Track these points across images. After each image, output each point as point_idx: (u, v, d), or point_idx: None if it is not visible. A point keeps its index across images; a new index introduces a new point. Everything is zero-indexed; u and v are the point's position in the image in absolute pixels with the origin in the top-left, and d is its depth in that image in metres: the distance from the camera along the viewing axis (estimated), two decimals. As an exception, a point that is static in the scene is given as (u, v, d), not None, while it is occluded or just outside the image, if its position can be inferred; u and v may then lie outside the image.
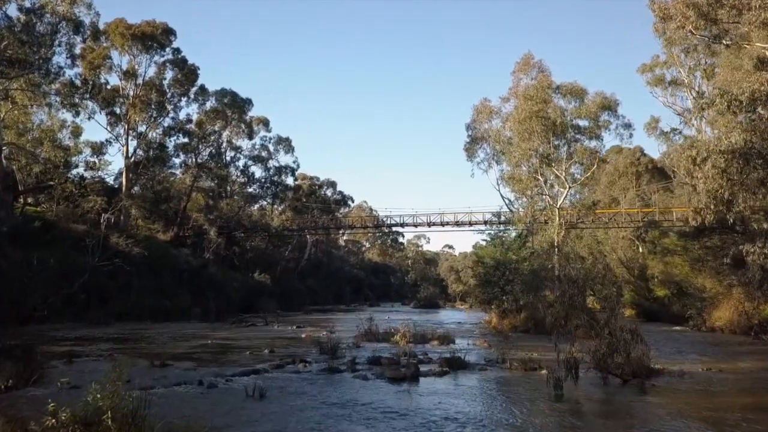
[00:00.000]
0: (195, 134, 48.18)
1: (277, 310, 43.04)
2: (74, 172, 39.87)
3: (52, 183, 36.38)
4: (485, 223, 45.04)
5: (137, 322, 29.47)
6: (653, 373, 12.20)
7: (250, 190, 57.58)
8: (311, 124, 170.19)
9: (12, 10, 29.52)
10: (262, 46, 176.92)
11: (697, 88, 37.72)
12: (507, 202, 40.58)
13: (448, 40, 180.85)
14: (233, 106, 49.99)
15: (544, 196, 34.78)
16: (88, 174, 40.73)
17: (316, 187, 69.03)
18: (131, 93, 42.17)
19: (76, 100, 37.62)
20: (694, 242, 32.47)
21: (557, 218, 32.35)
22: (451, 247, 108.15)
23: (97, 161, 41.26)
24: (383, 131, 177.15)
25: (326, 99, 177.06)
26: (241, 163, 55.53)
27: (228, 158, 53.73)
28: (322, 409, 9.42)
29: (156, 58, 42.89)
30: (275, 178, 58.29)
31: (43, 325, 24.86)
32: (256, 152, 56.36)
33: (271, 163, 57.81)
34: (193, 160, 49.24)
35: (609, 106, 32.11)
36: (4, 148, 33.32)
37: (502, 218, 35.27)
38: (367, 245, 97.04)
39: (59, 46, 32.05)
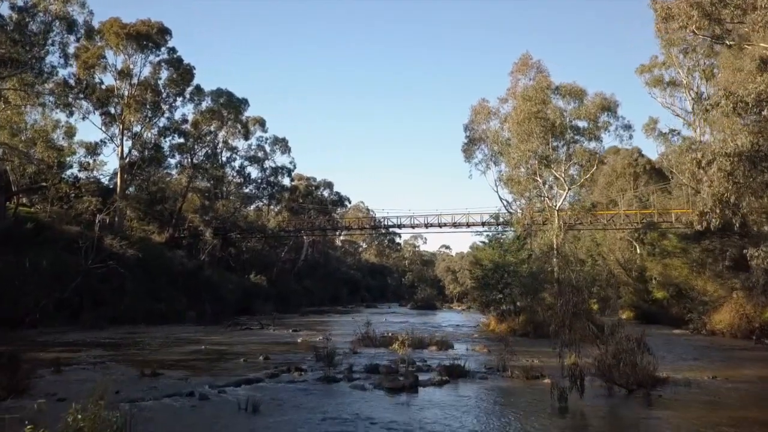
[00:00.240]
0: (190, 134, 47.74)
1: (274, 311, 42.60)
2: (68, 172, 39.55)
3: (45, 184, 35.94)
4: (483, 224, 44.77)
5: (131, 325, 29.04)
6: (659, 382, 11.82)
7: (246, 190, 57.17)
8: (311, 124, 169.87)
9: (4, 9, 29.30)
10: (262, 45, 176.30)
11: (695, 89, 37.51)
12: (505, 203, 40.38)
13: (448, 40, 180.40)
14: (229, 107, 49.57)
15: (542, 198, 34.50)
16: (82, 174, 40.45)
17: (313, 188, 68.61)
18: (126, 93, 41.70)
19: (70, 100, 37.26)
20: (694, 244, 32.26)
21: (556, 220, 32.06)
22: (447, 247, 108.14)
23: (91, 162, 40.98)
24: (383, 131, 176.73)
25: (326, 99, 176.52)
26: (237, 164, 55.28)
27: (224, 159, 53.42)
28: (317, 424, 9.04)
29: (151, 57, 42.55)
30: (271, 178, 58.00)
31: (35, 329, 24.50)
32: (252, 153, 56.21)
33: (268, 164, 57.64)
34: (189, 160, 48.74)
35: (609, 107, 31.83)
36: (-4, 148, 32.93)
37: (501, 220, 34.91)
38: (364, 246, 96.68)
39: (52, 45, 31.72)
